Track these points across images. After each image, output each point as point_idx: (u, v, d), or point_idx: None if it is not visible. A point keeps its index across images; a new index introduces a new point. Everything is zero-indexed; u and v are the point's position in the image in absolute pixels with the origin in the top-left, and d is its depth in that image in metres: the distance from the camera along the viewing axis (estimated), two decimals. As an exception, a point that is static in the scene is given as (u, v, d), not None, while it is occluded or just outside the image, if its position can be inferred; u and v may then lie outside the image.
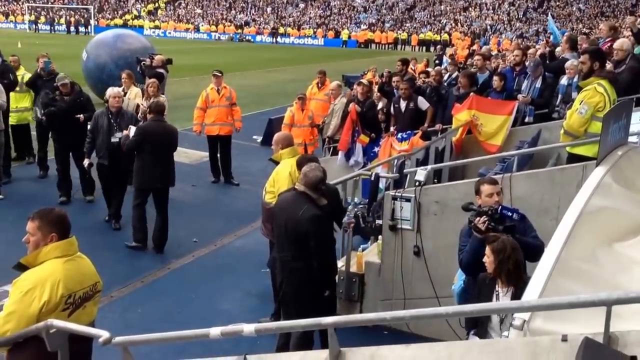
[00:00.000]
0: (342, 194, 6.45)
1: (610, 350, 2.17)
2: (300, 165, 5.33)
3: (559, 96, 8.85)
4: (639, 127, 6.57)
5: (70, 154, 9.32)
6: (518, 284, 3.75)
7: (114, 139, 8.20)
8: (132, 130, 7.85)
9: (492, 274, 3.88)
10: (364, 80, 11.00)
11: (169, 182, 7.92)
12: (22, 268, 3.59)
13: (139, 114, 9.26)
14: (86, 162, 8.61)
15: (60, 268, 3.54)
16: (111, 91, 8.56)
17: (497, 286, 3.87)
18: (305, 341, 5.00)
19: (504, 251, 3.79)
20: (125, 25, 60.34)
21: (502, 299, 3.71)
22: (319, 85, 12.58)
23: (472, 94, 9.18)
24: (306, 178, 4.97)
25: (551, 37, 16.92)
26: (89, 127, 8.70)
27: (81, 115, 8.89)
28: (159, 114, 7.84)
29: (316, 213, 4.88)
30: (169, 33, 64.13)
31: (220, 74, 10.89)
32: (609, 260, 3.17)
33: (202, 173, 11.20)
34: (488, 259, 3.86)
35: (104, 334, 3.04)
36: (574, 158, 6.23)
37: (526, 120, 9.30)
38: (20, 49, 29.42)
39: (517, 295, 3.63)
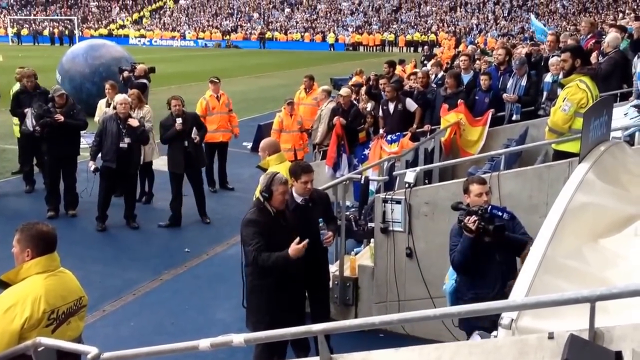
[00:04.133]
0: (332, 198, 6.46)
1: (595, 346, 2.18)
2: (292, 173, 5.31)
3: (545, 93, 8.93)
4: (622, 122, 6.63)
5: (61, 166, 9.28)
6: None
7: (122, 145, 8.58)
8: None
9: None
10: (343, 91, 10.97)
11: None
12: (3, 285, 3.58)
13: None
14: (91, 165, 8.77)
15: (41, 284, 3.53)
16: (118, 98, 8.97)
17: None
18: (269, 353, 4.93)
19: None
20: (110, 35, 60.23)
21: None
22: (307, 90, 12.66)
23: (460, 100, 9.29)
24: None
25: (535, 34, 17.14)
26: (82, 134, 9.38)
27: (60, 115, 8.83)
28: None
29: (249, 217, 4.85)
30: (155, 41, 64.01)
31: (217, 81, 11.07)
32: (594, 256, 3.20)
33: (191, 182, 11.17)
34: None
35: (92, 350, 3.02)
36: (560, 155, 6.27)
37: (513, 118, 9.38)
38: (3, 62, 29.34)
39: None
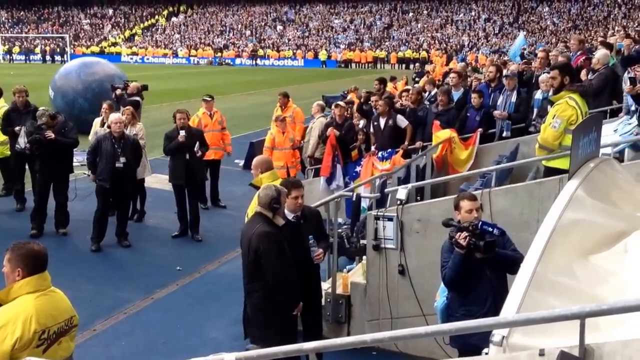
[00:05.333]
0: (324, 215, 6.47)
1: (586, 363, 2.19)
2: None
3: (535, 110, 9.00)
4: (612, 138, 6.69)
5: (52, 185, 9.20)
6: None
7: (118, 164, 8.61)
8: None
9: None
10: (341, 103, 11.08)
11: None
12: None
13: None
14: (92, 177, 8.87)
15: (32, 304, 3.51)
16: (113, 117, 8.96)
17: None
18: None
19: None
20: (102, 53, 60.31)
21: None
22: (282, 107, 12.53)
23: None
24: (259, 198, 5.05)
25: (510, 51, 17.30)
26: (75, 152, 9.38)
27: (50, 132, 8.77)
28: None
29: (266, 230, 4.89)
30: (147, 59, 64.13)
31: (210, 99, 11.06)
32: (585, 273, 3.21)
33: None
34: None
35: (83, 370, 3.00)
36: (550, 171, 6.30)
37: (504, 135, 9.43)
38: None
39: None
